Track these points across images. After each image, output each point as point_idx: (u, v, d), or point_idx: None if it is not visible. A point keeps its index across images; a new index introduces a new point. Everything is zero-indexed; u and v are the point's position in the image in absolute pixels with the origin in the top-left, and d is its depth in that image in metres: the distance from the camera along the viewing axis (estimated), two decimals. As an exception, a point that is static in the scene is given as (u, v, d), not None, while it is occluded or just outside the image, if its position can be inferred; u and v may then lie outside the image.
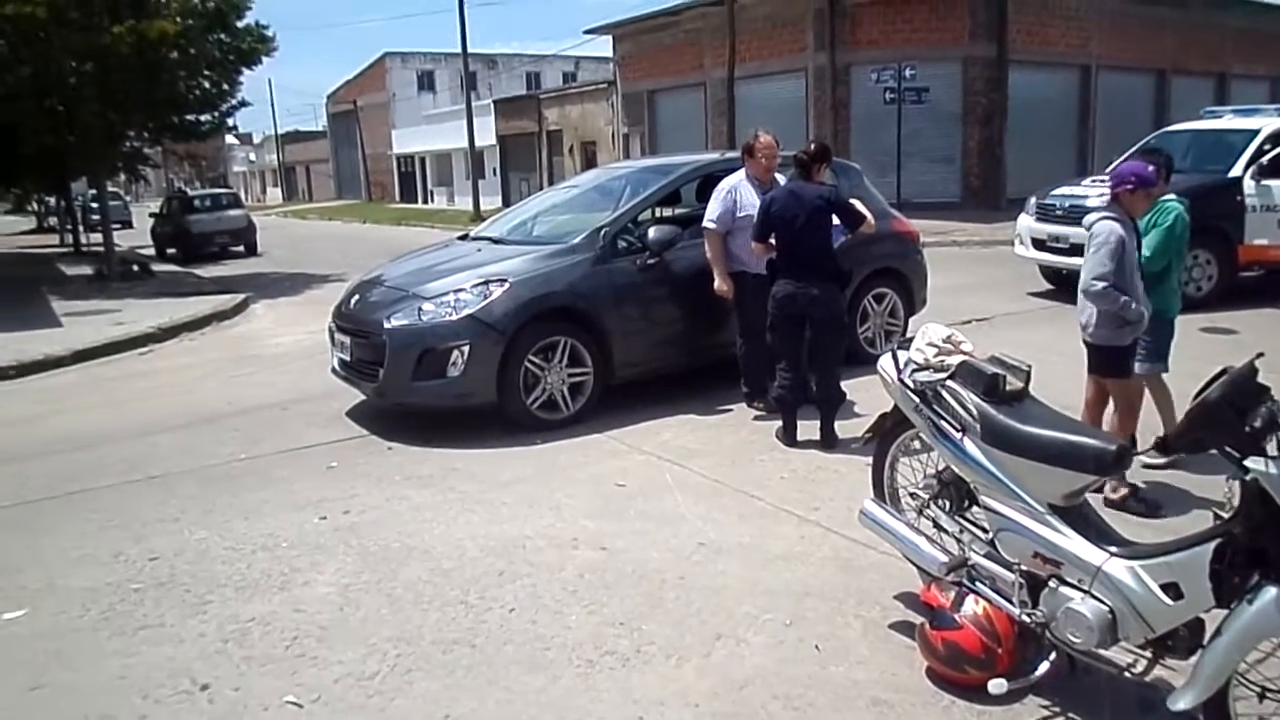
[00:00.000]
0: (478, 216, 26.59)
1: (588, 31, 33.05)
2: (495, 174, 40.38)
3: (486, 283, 6.38)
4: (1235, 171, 10.27)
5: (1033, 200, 11.78)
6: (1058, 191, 11.46)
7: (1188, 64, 26.85)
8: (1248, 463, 2.66)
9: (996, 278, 12.74)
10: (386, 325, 6.37)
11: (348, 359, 6.87)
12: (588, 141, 35.02)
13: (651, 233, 6.73)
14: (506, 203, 33.06)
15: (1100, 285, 4.58)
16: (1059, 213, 11.01)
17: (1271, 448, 2.66)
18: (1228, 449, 2.74)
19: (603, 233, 6.77)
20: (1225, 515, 2.81)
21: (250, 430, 6.84)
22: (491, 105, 40.88)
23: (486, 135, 38.52)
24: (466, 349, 6.16)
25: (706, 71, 26.94)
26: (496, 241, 7.56)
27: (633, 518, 4.92)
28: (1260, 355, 2.89)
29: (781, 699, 3.29)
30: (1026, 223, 11.63)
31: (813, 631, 3.72)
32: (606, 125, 33.60)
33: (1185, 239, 5.26)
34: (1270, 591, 2.65)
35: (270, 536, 4.85)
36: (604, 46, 34.67)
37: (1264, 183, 10.17)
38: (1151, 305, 4.80)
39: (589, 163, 32.10)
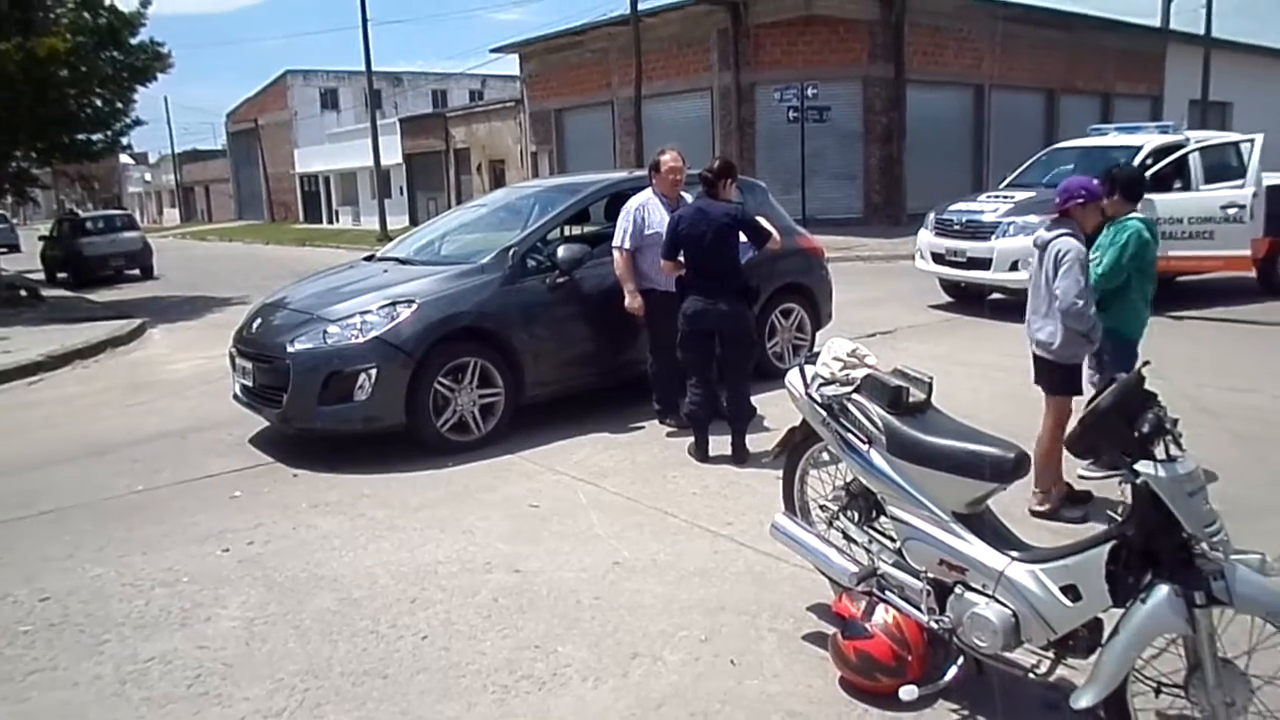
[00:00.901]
0: (384, 236, 26.19)
1: (494, 50, 32.99)
2: (402, 193, 39.88)
3: (394, 304, 6.29)
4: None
5: (931, 216, 12.14)
6: (955, 207, 11.83)
7: (1075, 84, 28.07)
8: (1138, 467, 2.77)
9: (899, 291, 13.05)
10: (290, 349, 6.22)
11: (250, 384, 6.68)
12: (496, 160, 34.88)
13: (560, 251, 6.72)
14: (414, 222, 32.69)
15: (1080, 304, 4.63)
16: (956, 228, 11.37)
17: (1160, 452, 2.78)
18: (1120, 454, 2.85)
19: (511, 252, 6.73)
20: (1119, 518, 2.92)
21: (148, 460, 6.59)
22: (397, 124, 40.44)
23: (392, 154, 38.07)
24: (374, 372, 6.05)
25: (614, 90, 27.11)
26: (403, 262, 7.46)
27: (547, 539, 4.88)
28: (1147, 364, 3.02)
29: (698, 716, 3.29)
30: (926, 238, 11.97)
31: (728, 646, 3.74)
32: (515, 144, 33.53)
33: (1148, 258, 5.21)
34: (1162, 590, 2.76)
35: (170, 571, 4.67)
36: (511, 65, 34.62)
37: (1146, 197, 10.64)
38: (1102, 323, 4.88)
39: (497, 181, 31.97)
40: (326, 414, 6.15)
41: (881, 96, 23.28)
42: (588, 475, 5.83)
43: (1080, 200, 4.79)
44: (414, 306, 6.26)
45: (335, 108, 51.11)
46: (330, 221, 46.58)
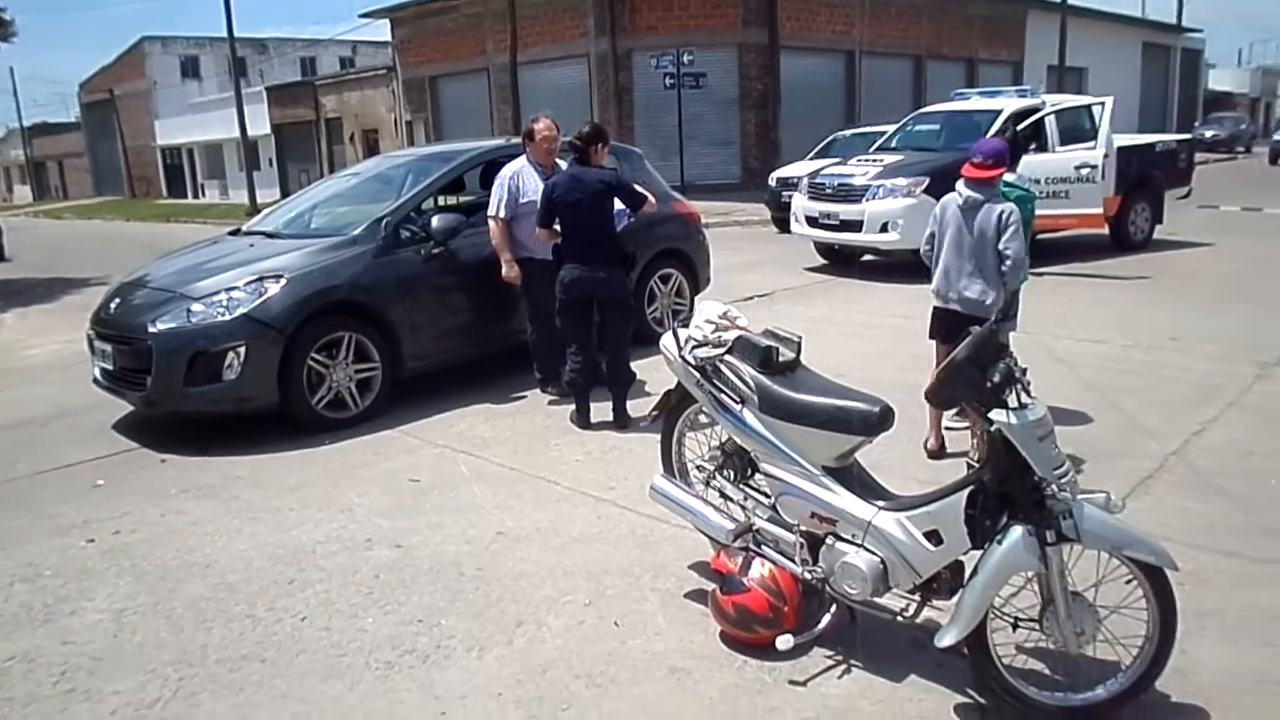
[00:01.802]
0: (253, 210, 25.25)
1: (364, 15, 32.05)
2: (272, 165, 38.50)
3: (261, 279, 6.08)
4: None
5: (805, 179, 12.38)
6: (827, 171, 12.10)
7: (941, 50, 28.94)
8: (992, 415, 2.91)
9: (776, 255, 13.31)
10: (152, 329, 5.96)
11: (110, 368, 6.37)
12: (369, 129, 33.97)
13: (435, 221, 6.60)
14: (285, 195, 31.56)
15: (1027, 262, 5.00)
16: (829, 191, 11.63)
17: (1012, 400, 2.92)
18: (975, 404, 2.98)
19: (384, 223, 6.58)
20: (976, 464, 3.07)
21: (4, 452, 6.23)
22: (264, 93, 38.91)
23: (260, 124, 36.66)
24: (242, 350, 5.85)
25: (489, 57, 26.69)
26: (271, 236, 7.21)
27: (428, 512, 4.83)
28: (997, 320, 3.16)
29: (583, 678, 3.33)
30: (800, 202, 12.21)
31: (612, 609, 3.79)
32: (389, 112, 32.71)
33: (1025, 216, 5.31)
34: (1017, 531, 2.92)
35: (30, 566, 4.44)
36: (382, 31, 33.69)
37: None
38: None
39: (371, 151, 31.15)
40: (194, 396, 5.92)
41: (756, 63, 23.54)
42: (469, 447, 5.79)
43: (1004, 167, 5.05)
44: (283, 281, 6.07)
45: (197, 76, 48.77)
46: (196, 196, 44.68)
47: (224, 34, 30.51)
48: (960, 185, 5.10)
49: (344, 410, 6.23)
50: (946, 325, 5.19)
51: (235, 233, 7.86)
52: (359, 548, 4.46)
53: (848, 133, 17.42)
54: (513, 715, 3.15)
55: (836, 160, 13.43)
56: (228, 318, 5.91)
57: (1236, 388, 6.39)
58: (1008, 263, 4.97)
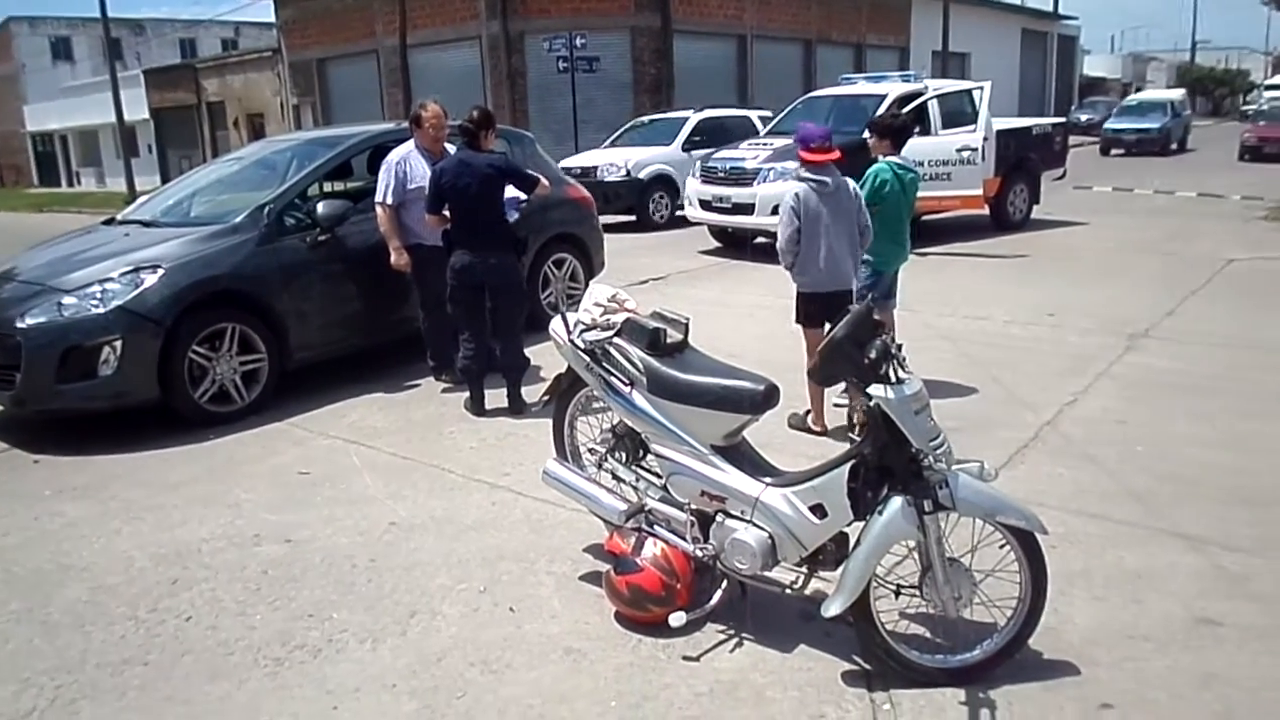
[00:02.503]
0: (132, 198, 24.21)
1: (245, -5, 30.94)
2: (151, 151, 36.96)
3: (137, 270, 5.85)
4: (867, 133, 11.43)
5: (698, 163, 12.48)
6: (719, 155, 12.22)
7: (830, 34, 29.45)
8: (870, 390, 3.00)
9: (671, 239, 13.42)
10: (20, 324, 5.67)
11: (-25, 366, 6.05)
12: (254, 114, 32.91)
13: (320, 208, 6.45)
14: (165, 182, 30.34)
15: None
16: (721, 175, 11.75)
17: (892, 375, 3.01)
18: (854, 380, 3.07)
19: (267, 210, 6.40)
20: (857, 439, 3.16)
21: None
22: (141, 76, 37.27)
23: (138, 109, 35.11)
24: (119, 344, 5.63)
25: (378, 39, 26.12)
26: (148, 225, 6.94)
27: (319, 505, 4.73)
28: (874, 298, 3.25)
29: (479, 665, 3.32)
30: (694, 185, 12.31)
31: (507, 594, 3.78)
32: (274, 96, 31.74)
33: (886, 196, 5.58)
34: (897, 502, 3.03)
35: (-109, 576, 4.21)
36: (266, 12, 32.59)
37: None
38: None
39: (257, 136, 30.15)
40: (67, 393, 5.67)
41: (649, 47, 23.59)
42: (361, 437, 5.69)
43: (835, 147, 5.20)
44: (160, 271, 5.85)
45: (69, 59, 46.45)
46: (70, 184, 42.62)
47: (97, 14, 29.07)
48: (807, 173, 5.19)
49: (229, 404, 6.05)
50: (830, 307, 5.22)
51: (110, 222, 7.54)
52: (246, 544, 4.35)
53: (646, 119, 17.80)
54: (407, 706, 3.13)
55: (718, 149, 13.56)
56: (102, 310, 5.67)
57: (1107, 359, 6.72)
58: (869, 234, 5.27)
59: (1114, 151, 28.36)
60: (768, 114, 16.66)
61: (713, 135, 15.61)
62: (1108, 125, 29.73)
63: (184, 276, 5.88)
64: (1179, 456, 4.96)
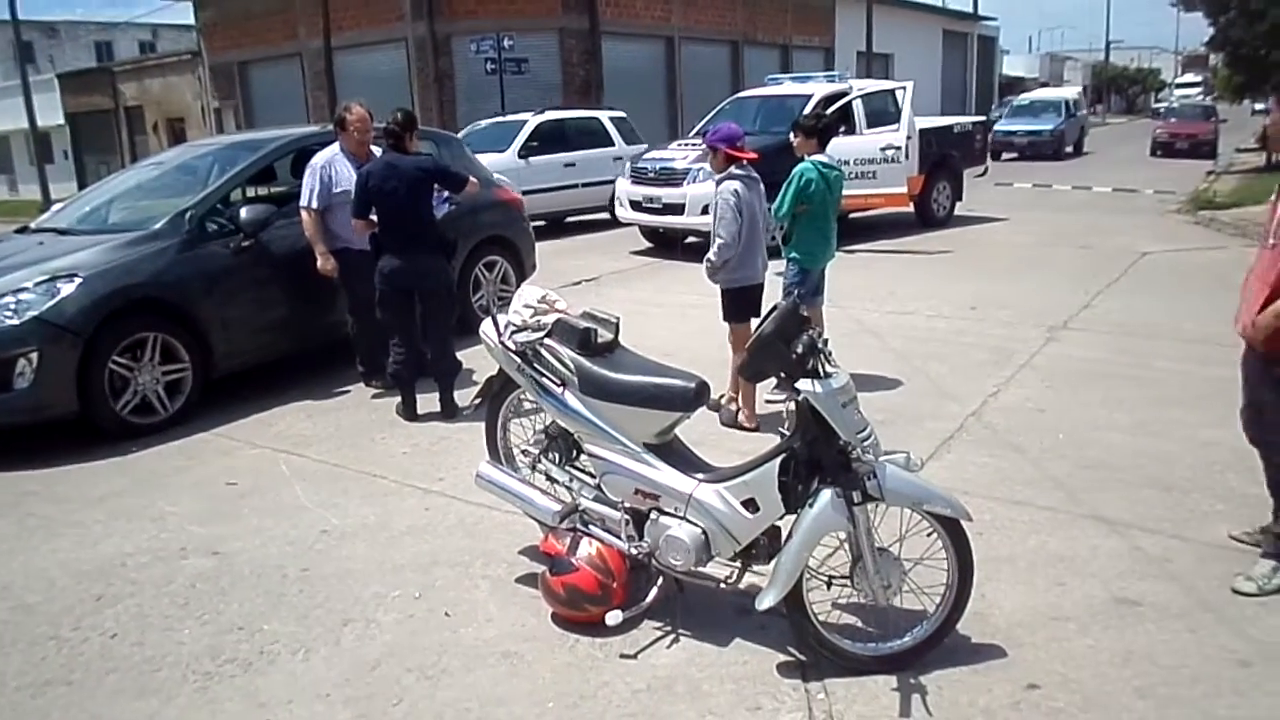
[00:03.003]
0: (47, 206, 23.43)
1: (163, -4, 30.19)
2: (68, 157, 35.79)
3: (53, 279, 5.67)
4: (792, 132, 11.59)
5: (628, 164, 12.52)
6: (649, 155, 12.28)
7: (756, 35, 29.71)
8: (799, 385, 3.04)
9: (603, 240, 13.42)
10: (-72, 338, 5.47)
11: (-119, 382, 5.80)
12: (175, 118, 32.09)
13: (243, 213, 6.32)
14: (82, 189, 29.43)
15: None
16: (651, 175, 11.80)
17: (820, 369, 3.06)
18: (782, 375, 3.11)
19: (188, 215, 6.26)
20: (787, 433, 3.20)
21: None
22: (55, 80, 36.08)
23: (52, 114, 33.98)
24: (35, 356, 5.44)
25: (302, 41, 25.67)
26: (64, 233, 6.73)
27: (247, 516, 4.64)
28: (800, 295, 3.30)
29: (415, 671, 3.29)
30: (624, 186, 12.34)
31: (442, 599, 3.76)
32: (195, 100, 31.00)
33: (811, 195, 5.66)
34: (826, 494, 3.07)
35: None
36: (185, 14, 31.79)
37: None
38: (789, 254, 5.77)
39: (177, 141, 29.42)
40: (-20, 407, 5.48)
41: (578, 48, 23.56)
42: (290, 445, 5.59)
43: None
44: (78, 280, 5.67)
45: (-24, 62, 44.82)
46: (-20, 193, 41.06)
47: (7, 16, 28.06)
48: (738, 170, 5.33)
49: (152, 415, 5.90)
50: (756, 301, 5.45)
51: (23, 230, 7.30)
52: (173, 558, 4.25)
53: (484, 123, 16.61)
54: (341, 715, 3.09)
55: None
56: (16, 322, 5.48)
57: (1028, 350, 6.90)
58: (774, 227, 5.63)
59: (1005, 156, 26.20)
60: (620, 114, 16.18)
61: (552, 140, 14.89)
62: (998, 127, 26.79)
63: (103, 285, 5.71)
64: (1098, 443, 5.12)
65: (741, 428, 5.41)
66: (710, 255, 5.40)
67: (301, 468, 5.24)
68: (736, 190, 5.26)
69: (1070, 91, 32.07)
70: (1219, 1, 21.20)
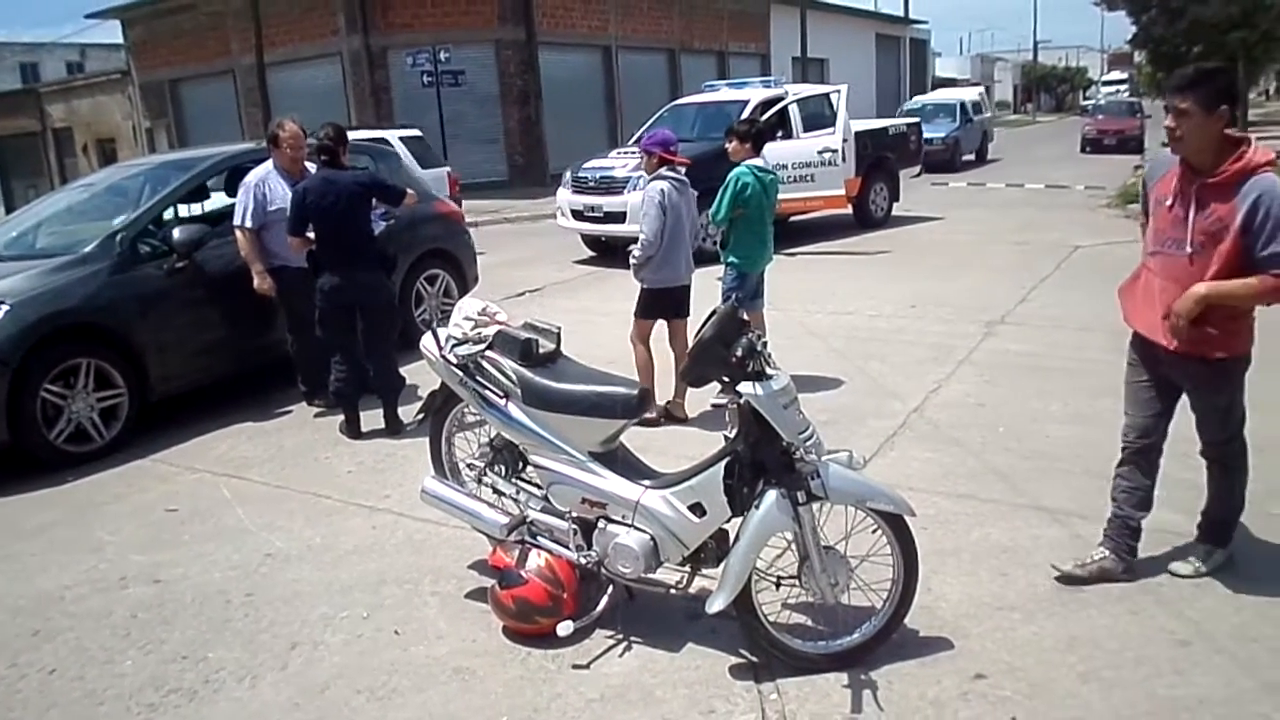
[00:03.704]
0: (-27, 233, 22.76)
1: (91, 16, 29.55)
2: (-8, 182, 34.85)
3: (-22, 308, 5.52)
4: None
5: (568, 174, 12.51)
6: (589, 165, 12.28)
7: (693, 43, 29.90)
8: (740, 388, 3.07)
9: (545, 250, 13.37)
10: None
11: None
12: (105, 138, 31.41)
13: (177, 233, 6.19)
14: (9, 213, 28.68)
15: None
16: (592, 184, 11.81)
17: (760, 372, 3.08)
18: (724, 378, 3.13)
19: (119, 238, 6.12)
20: (730, 436, 3.22)
21: None
22: (-23, 103, 35.17)
23: (-25, 138, 33.13)
24: (-39, 386, 5.29)
25: (234, 58, 25.30)
26: (-10, 259, 6.54)
27: (189, 542, 4.55)
28: (739, 298, 3.33)
29: (365, 692, 3.25)
30: (565, 196, 12.33)
31: (391, 618, 3.72)
32: (125, 119, 30.38)
33: (747, 199, 5.72)
34: (771, 495, 3.10)
35: None
36: (114, 32, 31.25)
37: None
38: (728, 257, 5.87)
39: (108, 161, 28.74)
40: (-95, 441, 5.31)
41: (515, 59, 23.50)
42: (231, 469, 5.49)
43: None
44: (4, 308, 5.51)
45: (-105, 86, 43.47)
46: (-99, 220, 39.75)
47: (-78, 38, 27.34)
48: (669, 172, 5.51)
49: (88, 443, 5.75)
50: (677, 301, 5.68)
51: (-56, 258, 7.08)
52: (112, 588, 4.15)
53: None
54: (290, 740, 3.04)
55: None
56: (-60, 353, 5.32)
57: (967, 346, 7.02)
58: (700, 233, 5.95)
59: None
60: (414, 133, 14.14)
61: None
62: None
63: (31, 312, 5.57)
64: (1036, 434, 5.22)
65: (675, 419, 5.54)
66: (634, 251, 5.58)
67: (244, 491, 5.15)
68: (664, 190, 5.44)
69: (969, 92, 27.90)
70: (1140, 0, 21.80)
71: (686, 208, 5.56)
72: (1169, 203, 3.34)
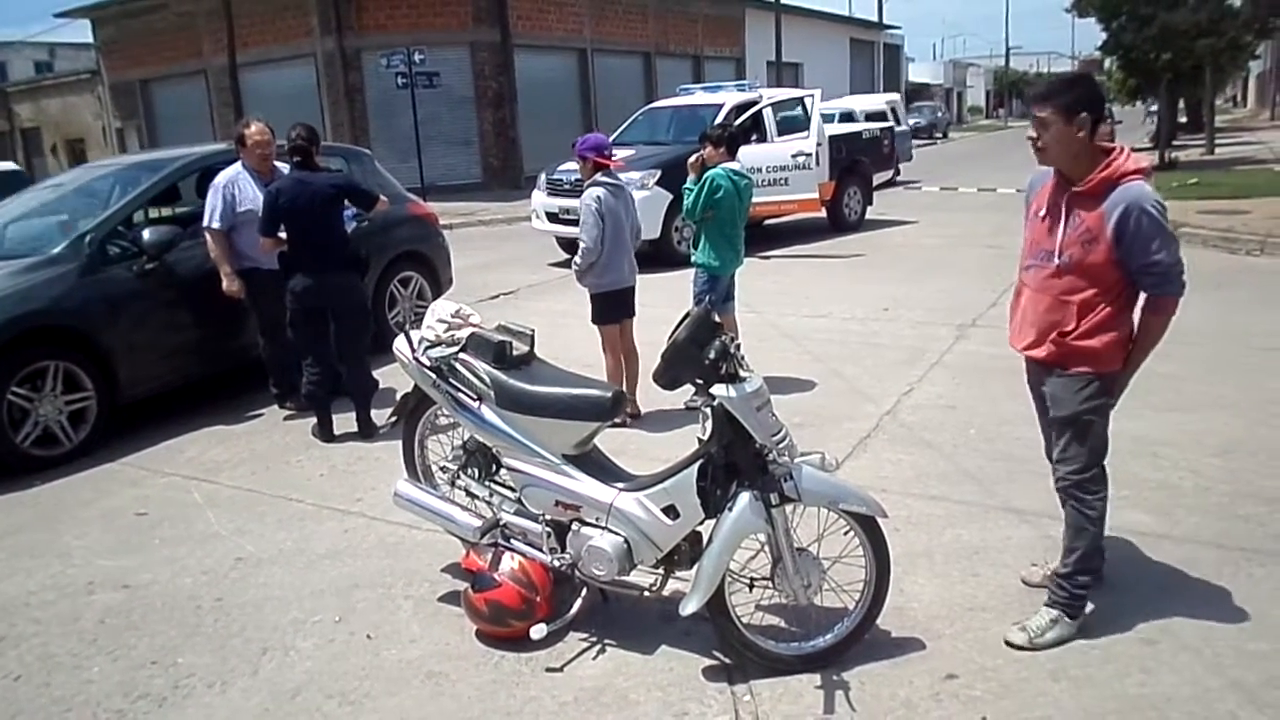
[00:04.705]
0: (-62, 234, 22.42)
1: (60, 15, 29.23)
2: (-41, 183, 34.35)
3: (-58, 310, 5.43)
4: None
5: (543, 176, 12.49)
6: (564, 167, 12.24)
7: (668, 46, 29.97)
8: (713, 390, 3.07)
9: (520, 253, 13.36)
10: None
11: None
12: (74, 139, 31.12)
13: (146, 235, 6.13)
14: (-23, 215, 28.27)
15: None
16: (566, 187, 11.78)
17: (733, 374, 3.09)
18: (697, 380, 3.14)
19: (88, 239, 6.05)
20: (704, 439, 3.23)
21: None
22: (-58, 102, 34.68)
23: (-59, 138, 32.66)
24: (-76, 391, 5.22)
25: (206, 59, 25.11)
26: (-46, 260, 6.45)
27: (158, 546, 4.50)
28: (712, 301, 3.33)
29: (336, 697, 3.23)
30: (540, 198, 12.32)
31: (364, 622, 3.69)
32: (95, 120, 30.09)
33: (719, 203, 5.75)
34: (745, 497, 3.10)
35: None
36: (83, 32, 30.89)
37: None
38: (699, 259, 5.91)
39: (78, 162, 28.39)
40: None
41: (490, 61, 23.47)
42: (202, 473, 5.44)
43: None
44: (-31, 310, 5.45)
45: None
46: None
47: (-115, 36, 26.93)
48: (604, 177, 5.56)
49: (56, 446, 5.68)
50: (624, 304, 5.75)
51: (-90, 259, 6.97)
52: (80, 593, 4.10)
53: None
54: (261, 746, 3.01)
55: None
56: (-97, 355, 5.24)
57: (939, 349, 7.07)
58: (640, 234, 5.88)
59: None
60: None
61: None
62: None
63: (-4, 314, 5.50)
64: (1007, 436, 5.26)
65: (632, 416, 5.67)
66: (575, 259, 5.65)
67: (214, 494, 5.11)
68: (599, 196, 5.47)
69: (874, 100, 24.31)
70: (1110, 7, 22.05)
71: (625, 211, 5.58)
72: (1042, 214, 3.28)
